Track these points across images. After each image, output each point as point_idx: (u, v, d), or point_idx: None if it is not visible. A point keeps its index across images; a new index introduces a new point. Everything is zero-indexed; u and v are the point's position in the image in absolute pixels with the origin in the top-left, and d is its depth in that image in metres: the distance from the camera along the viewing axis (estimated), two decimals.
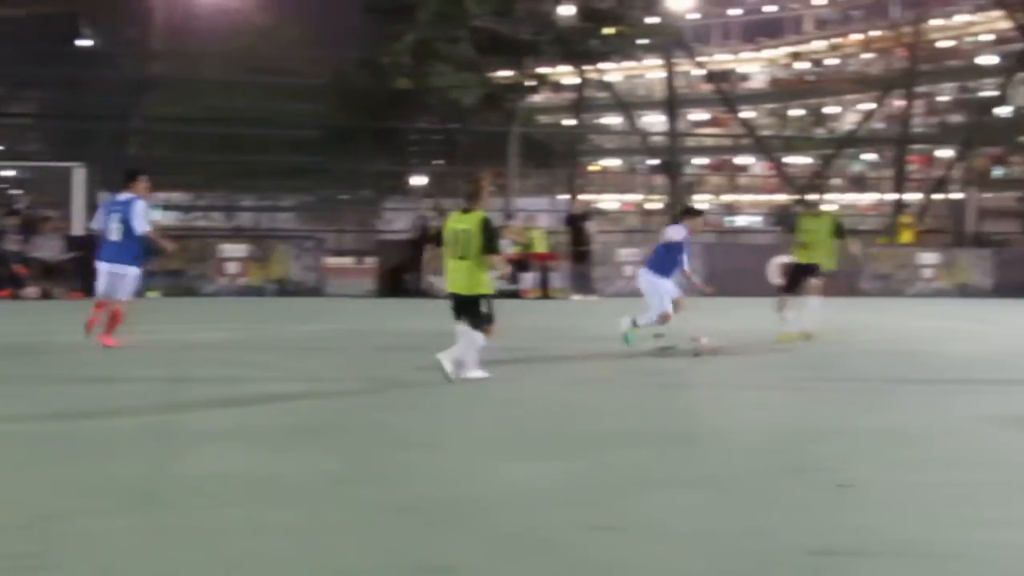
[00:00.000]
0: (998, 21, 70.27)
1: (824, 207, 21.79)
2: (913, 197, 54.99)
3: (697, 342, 16.32)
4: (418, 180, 58.08)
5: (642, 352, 16.73)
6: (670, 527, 7.24)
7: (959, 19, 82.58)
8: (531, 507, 7.64)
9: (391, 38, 45.58)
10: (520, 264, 29.89)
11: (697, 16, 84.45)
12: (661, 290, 16.88)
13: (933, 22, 70.12)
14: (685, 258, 17.11)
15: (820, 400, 13.03)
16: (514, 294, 28.92)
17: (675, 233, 17.01)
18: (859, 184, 77.19)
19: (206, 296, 29.04)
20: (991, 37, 79.34)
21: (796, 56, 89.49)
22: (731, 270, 30.79)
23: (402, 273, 30.57)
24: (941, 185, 54.82)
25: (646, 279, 17.10)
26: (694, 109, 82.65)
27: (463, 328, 13.54)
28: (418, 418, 11.31)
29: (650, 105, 74.24)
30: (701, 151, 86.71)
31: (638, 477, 8.66)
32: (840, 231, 19.28)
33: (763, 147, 66.80)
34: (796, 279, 19.02)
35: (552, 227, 33.45)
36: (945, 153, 66.67)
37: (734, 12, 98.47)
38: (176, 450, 9.49)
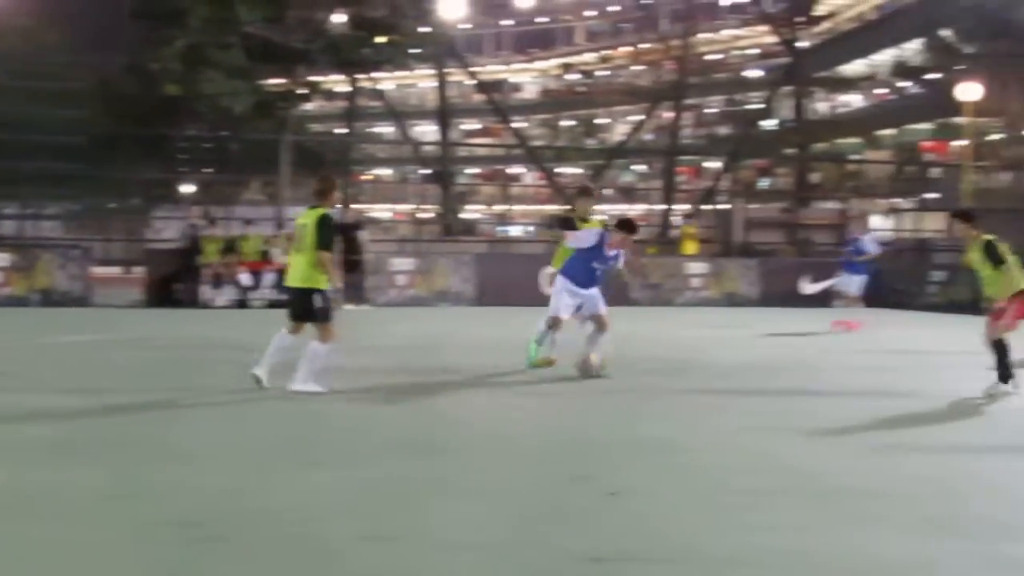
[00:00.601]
0: (764, 36, 72.09)
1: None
2: (682, 207, 55.95)
3: (588, 361, 15.55)
4: (188, 188, 57.22)
5: (421, 362, 16.70)
6: (446, 537, 7.23)
7: (726, 33, 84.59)
8: (308, 518, 7.56)
9: (160, 43, 44.84)
10: None
11: (469, 26, 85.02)
12: (556, 291, 15.74)
13: (701, 35, 71.56)
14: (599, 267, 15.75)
15: (595, 409, 13.13)
16: (285, 304, 28.59)
17: (582, 239, 15.66)
18: (629, 194, 78.34)
19: None
20: (757, 51, 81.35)
21: (567, 67, 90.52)
22: (502, 280, 30.98)
23: (172, 282, 30.07)
24: (709, 196, 55.89)
25: (563, 287, 15.74)
26: (466, 119, 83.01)
27: (281, 336, 13.63)
28: (192, 430, 11.10)
29: (422, 114, 74.40)
30: (473, 161, 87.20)
31: (415, 487, 8.63)
32: None
33: (535, 157, 67.30)
34: None
35: None
36: (713, 164, 68.07)
37: (506, 23, 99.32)
38: None
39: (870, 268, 25.52)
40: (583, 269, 15.62)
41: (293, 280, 13.69)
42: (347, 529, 7.33)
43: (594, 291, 15.76)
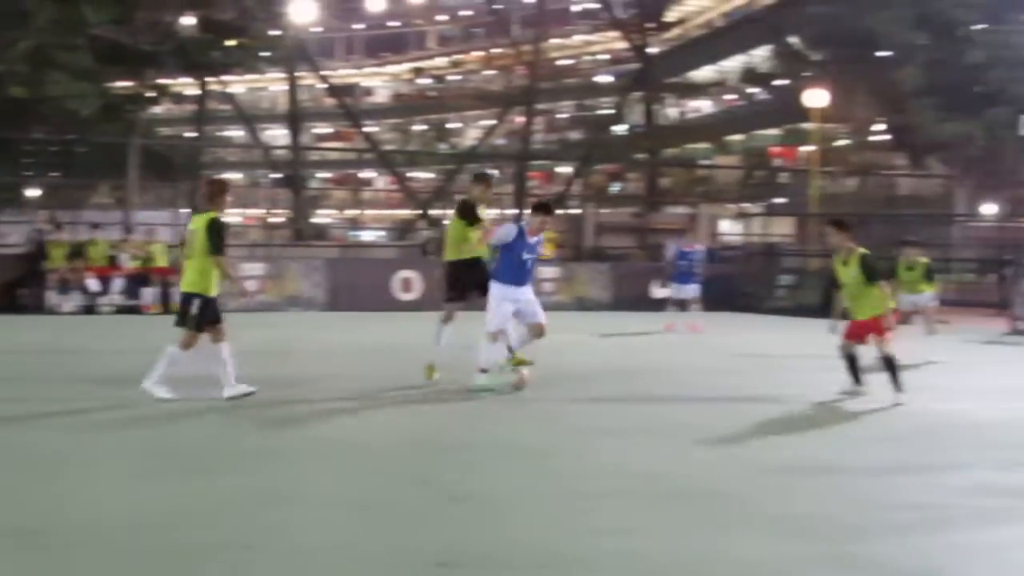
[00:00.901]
0: (614, 41, 72.70)
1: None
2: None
3: (519, 373, 14.94)
4: (33, 192, 56.17)
5: (273, 369, 16.53)
6: (299, 543, 7.19)
7: (577, 39, 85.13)
8: (161, 527, 7.47)
9: (3, 45, 43.96)
10: (140, 279, 29.27)
11: (320, 30, 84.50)
12: (494, 301, 14.74)
13: (552, 41, 71.89)
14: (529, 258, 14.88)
15: (448, 415, 13.11)
16: (134, 309, 28.30)
17: (502, 235, 14.87)
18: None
19: None
20: (608, 57, 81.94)
21: (419, 71, 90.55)
22: (354, 285, 30.84)
23: (17, 288, 29.49)
24: (560, 201, 56.13)
25: (501, 296, 14.78)
26: (317, 123, 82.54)
27: (215, 349, 13.43)
28: (38, 438, 10.87)
29: (273, 118, 73.81)
30: (325, 165, 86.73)
31: (266, 495, 8.54)
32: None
33: (386, 161, 67.19)
34: (464, 281, 15.68)
35: (173, 241, 32.75)
36: (564, 169, 68.40)
37: (357, 26, 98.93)
38: None
39: (701, 277, 25.87)
40: (515, 265, 14.83)
41: (183, 285, 13.55)
42: (200, 538, 7.24)
43: (530, 294, 15.11)
